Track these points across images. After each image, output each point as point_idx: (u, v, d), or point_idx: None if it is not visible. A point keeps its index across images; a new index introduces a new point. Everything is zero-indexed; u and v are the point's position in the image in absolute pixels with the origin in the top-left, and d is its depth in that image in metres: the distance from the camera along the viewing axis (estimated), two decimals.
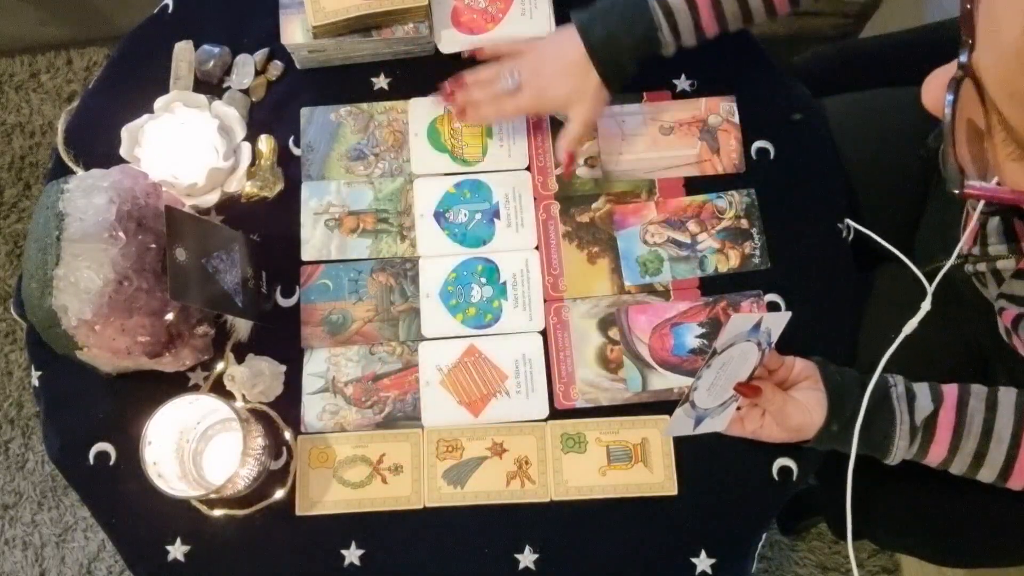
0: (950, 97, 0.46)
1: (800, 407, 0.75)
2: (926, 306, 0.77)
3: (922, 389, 0.75)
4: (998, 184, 0.48)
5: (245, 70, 0.95)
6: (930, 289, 0.78)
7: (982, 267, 0.79)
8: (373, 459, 0.82)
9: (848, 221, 0.89)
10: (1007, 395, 0.74)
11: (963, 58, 0.45)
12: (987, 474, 0.74)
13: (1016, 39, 0.40)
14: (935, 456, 0.74)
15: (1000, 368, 0.88)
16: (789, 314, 0.74)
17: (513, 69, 0.86)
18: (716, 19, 0.82)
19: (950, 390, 0.75)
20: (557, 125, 0.93)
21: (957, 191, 0.47)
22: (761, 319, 0.71)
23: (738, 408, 0.78)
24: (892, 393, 0.75)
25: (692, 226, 0.89)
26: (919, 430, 0.74)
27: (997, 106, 0.44)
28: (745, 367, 0.75)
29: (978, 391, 0.75)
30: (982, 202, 0.76)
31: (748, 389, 0.75)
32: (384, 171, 0.92)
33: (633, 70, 0.85)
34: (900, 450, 0.74)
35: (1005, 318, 0.74)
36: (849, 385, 0.76)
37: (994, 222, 0.76)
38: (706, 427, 0.77)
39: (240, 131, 0.92)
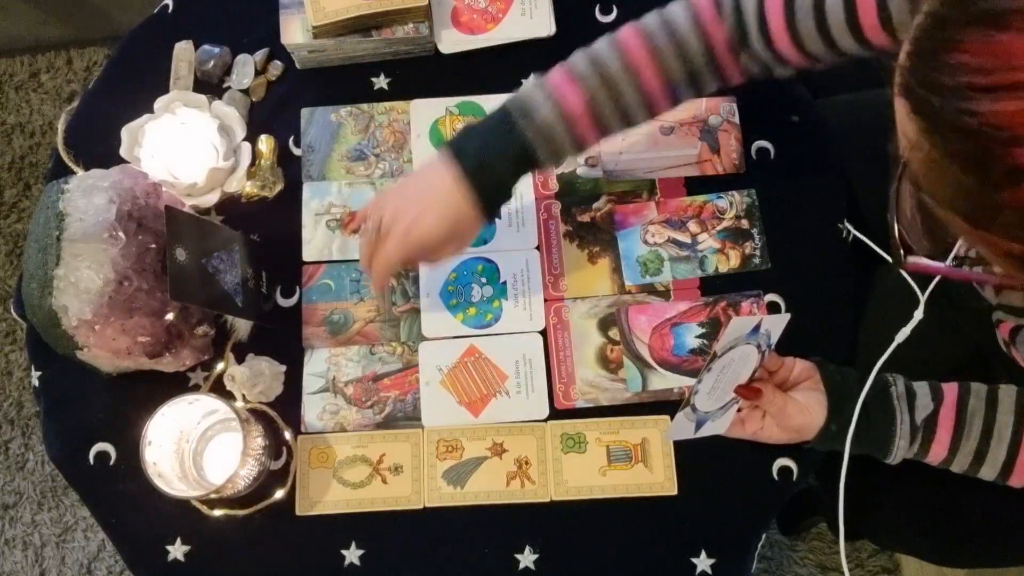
0: (897, 174, 0.46)
1: (800, 408, 0.75)
2: (918, 314, 0.77)
3: (922, 388, 0.75)
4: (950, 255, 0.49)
5: (245, 70, 0.95)
6: (923, 298, 0.78)
7: (979, 270, 0.79)
8: (373, 459, 0.82)
9: (846, 223, 0.89)
10: (1007, 393, 0.74)
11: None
12: (988, 472, 0.74)
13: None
14: (936, 455, 0.74)
15: (1001, 369, 0.87)
16: (788, 316, 0.74)
17: (373, 211, 0.77)
18: (596, 127, 0.75)
19: (950, 388, 0.75)
20: None
21: (899, 266, 0.48)
22: (760, 321, 0.71)
23: (738, 410, 0.78)
24: (892, 392, 0.75)
25: (692, 226, 0.89)
26: (919, 429, 0.74)
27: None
28: (745, 369, 0.75)
29: (978, 389, 0.75)
30: None
31: (748, 391, 0.75)
32: (385, 172, 0.92)
33: (510, 196, 0.78)
34: (901, 450, 0.74)
35: (1003, 330, 0.73)
36: (849, 385, 0.76)
37: None
38: (707, 430, 0.77)
39: (240, 131, 0.92)
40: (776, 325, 0.73)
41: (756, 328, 0.71)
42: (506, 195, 0.77)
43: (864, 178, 0.94)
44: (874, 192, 0.94)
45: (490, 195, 0.75)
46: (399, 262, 0.76)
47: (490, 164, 0.74)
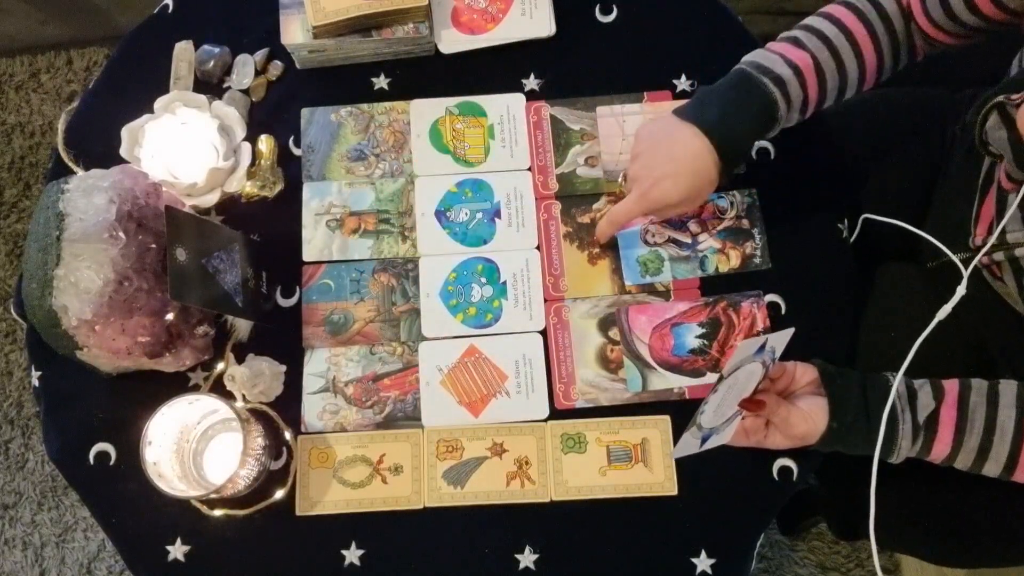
0: None
1: (803, 416, 0.75)
2: (961, 290, 0.76)
3: (923, 386, 0.75)
4: None
5: (245, 70, 0.95)
6: (966, 272, 0.76)
7: (999, 256, 0.78)
8: (373, 459, 0.82)
9: (868, 215, 0.88)
10: (1008, 388, 0.74)
11: None
12: (992, 468, 0.73)
13: None
14: (938, 453, 0.74)
15: (1004, 365, 0.87)
16: (792, 331, 0.73)
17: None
18: (819, 86, 0.81)
19: (951, 386, 0.75)
20: (557, 123, 0.93)
21: None
22: (766, 340, 0.71)
23: (742, 418, 0.78)
24: (893, 391, 0.75)
25: (693, 226, 0.89)
26: (921, 428, 0.74)
27: None
28: (750, 384, 0.74)
29: (979, 386, 0.74)
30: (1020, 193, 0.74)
31: (753, 404, 0.75)
32: (385, 172, 0.92)
33: (749, 154, 0.83)
34: (903, 449, 0.74)
35: None
36: (849, 388, 0.75)
37: (1013, 209, 0.75)
38: (712, 443, 0.77)
39: (240, 131, 0.92)
40: (780, 341, 0.73)
41: (762, 347, 0.71)
42: (744, 154, 0.82)
43: (865, 178, 0.94)
44: (876, 192, 0.94)
45: (731, 154, 0.80)
46: (637, 215, 0.83)
47: (733, 121, 0.79)
